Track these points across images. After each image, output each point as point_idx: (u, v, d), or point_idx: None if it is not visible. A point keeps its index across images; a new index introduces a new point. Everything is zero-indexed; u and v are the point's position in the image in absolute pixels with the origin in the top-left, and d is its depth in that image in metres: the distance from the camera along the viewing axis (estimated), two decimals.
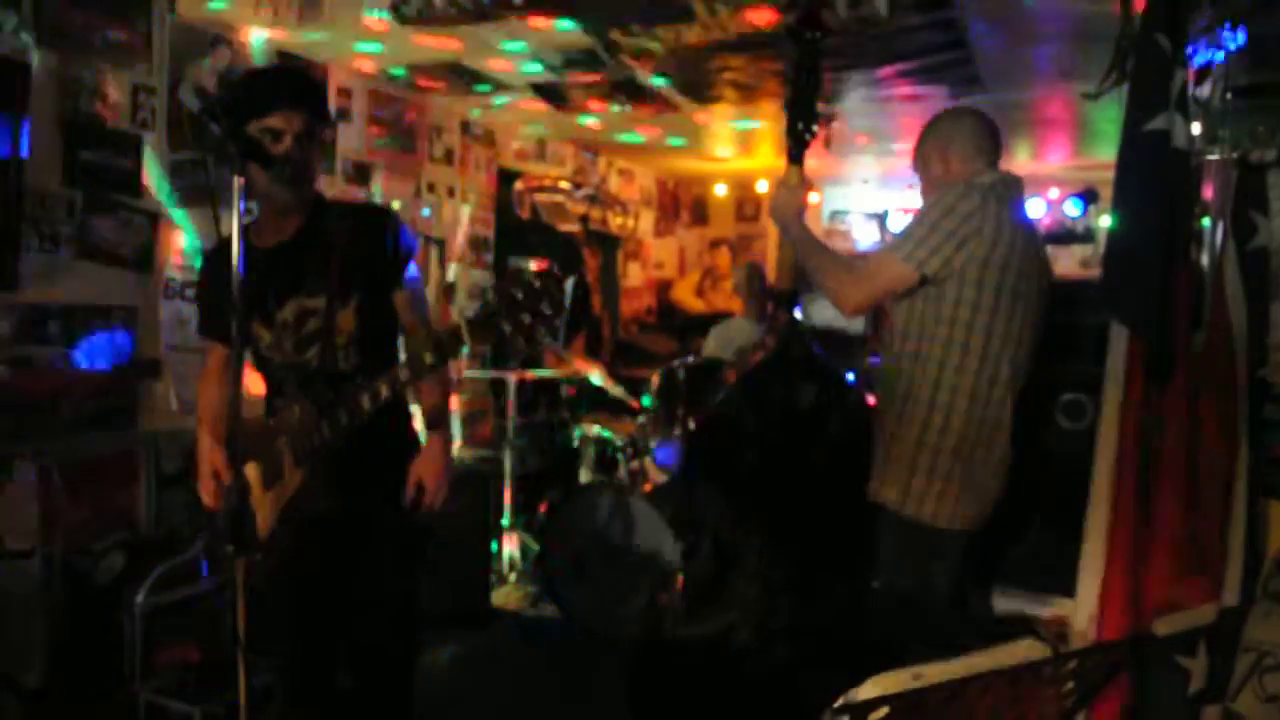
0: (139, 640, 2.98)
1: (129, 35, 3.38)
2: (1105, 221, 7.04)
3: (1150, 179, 1.82)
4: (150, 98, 3.48)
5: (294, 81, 2.20)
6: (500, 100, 5.07)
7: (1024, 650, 1.02)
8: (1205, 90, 1.95)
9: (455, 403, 5.37)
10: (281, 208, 2.12)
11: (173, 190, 3.56)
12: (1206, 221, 2.09)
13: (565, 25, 3.68)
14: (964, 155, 2.35)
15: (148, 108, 3.47)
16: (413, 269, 2.21)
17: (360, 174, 4.64)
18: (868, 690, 0.90)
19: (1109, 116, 5.03)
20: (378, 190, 4.76)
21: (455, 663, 3.59)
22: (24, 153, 3.01)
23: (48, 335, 3.17)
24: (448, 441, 2.21)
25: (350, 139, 4.54)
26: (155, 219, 3.50)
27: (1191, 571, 1.77)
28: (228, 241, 1.81)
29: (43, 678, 3.00)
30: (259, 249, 2.12)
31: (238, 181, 1.78)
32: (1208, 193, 2.08)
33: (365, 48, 4.06)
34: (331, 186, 4.36)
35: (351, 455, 2.07)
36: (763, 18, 3.43)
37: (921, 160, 2.44)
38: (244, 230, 1.80)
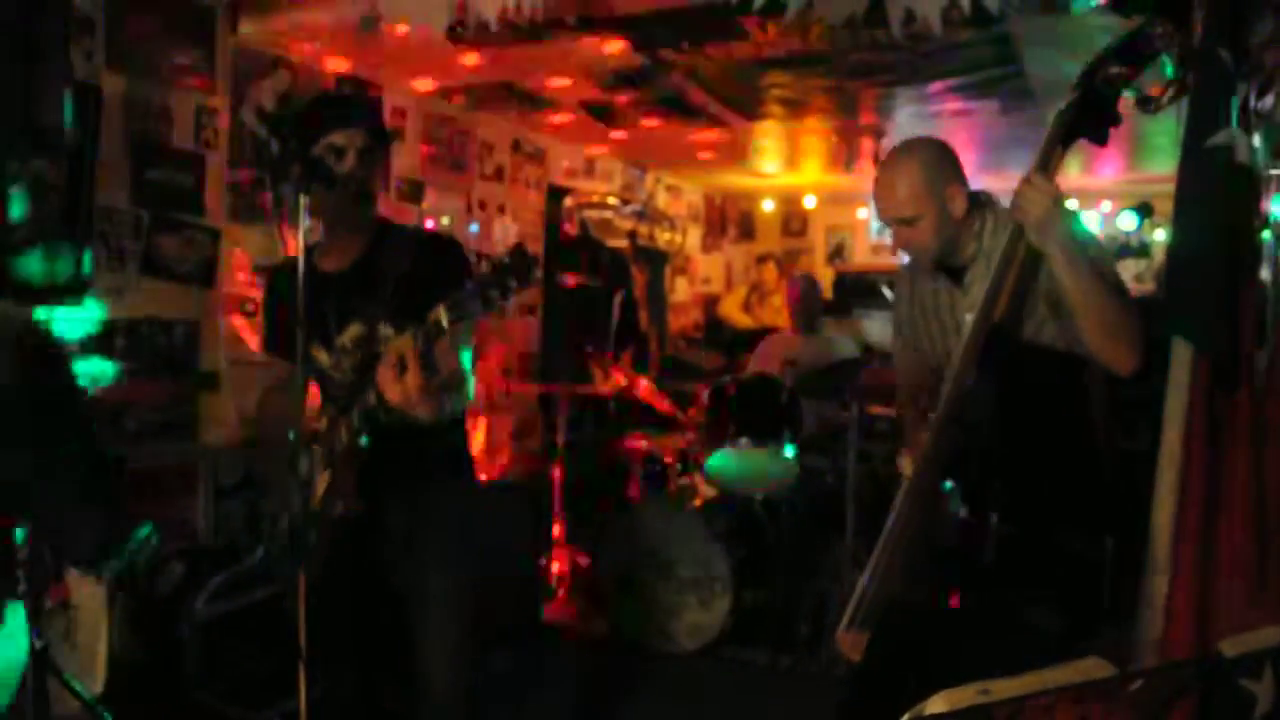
0: (198, 648, 3.04)
1: (193, 59, 3.49)
2: (1160, 236, 6.93)
3: (1212, 195, 1.80)
4: (213, 118, 3.58)
5: (355, 101, 2.26)
6: (551, 119, 5.14)
7: (1089, 668, 1.01)
8: (1268, 103, 1.92)
9: (508, 422, 5.42)
10: (345, 227, 2.16)
11: (233, 208, 3.66)
12: (1268, 236, 2.06)
13: (616, 44, 3.72)
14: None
15: (211, 128, 3.57)
16: None
17: (412, 192, 4.72)
18: (935, 705, 0.90)
19: (1164, 129, 4.95)
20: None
21: (505, 677, 3.62)
22: (94, 172, 3.11)
23: (114, 349, 3.26)
24: (427, 385, 1.91)
25: (402, 157, 4.63)
26: (217, 236, 3.60)
27: (1257, 592, 1.74)
28: (295, 261, 1.85)
29: (106, 683, 3.07)
30: (323, 272, 2.17)
31: (303, 201, 1.83)
32: (1270, 207, 2.05)
33: (419, 68, 4.14)
34: (384, 205, 4.44)
35: (385, 459, 2.08)
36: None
37: (941, 199, 2.05)
38: (308, 253, 1.84)
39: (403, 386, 1.83)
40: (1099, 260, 1.91)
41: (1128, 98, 1.91)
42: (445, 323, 1.75)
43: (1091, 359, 1.92)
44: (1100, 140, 1.86)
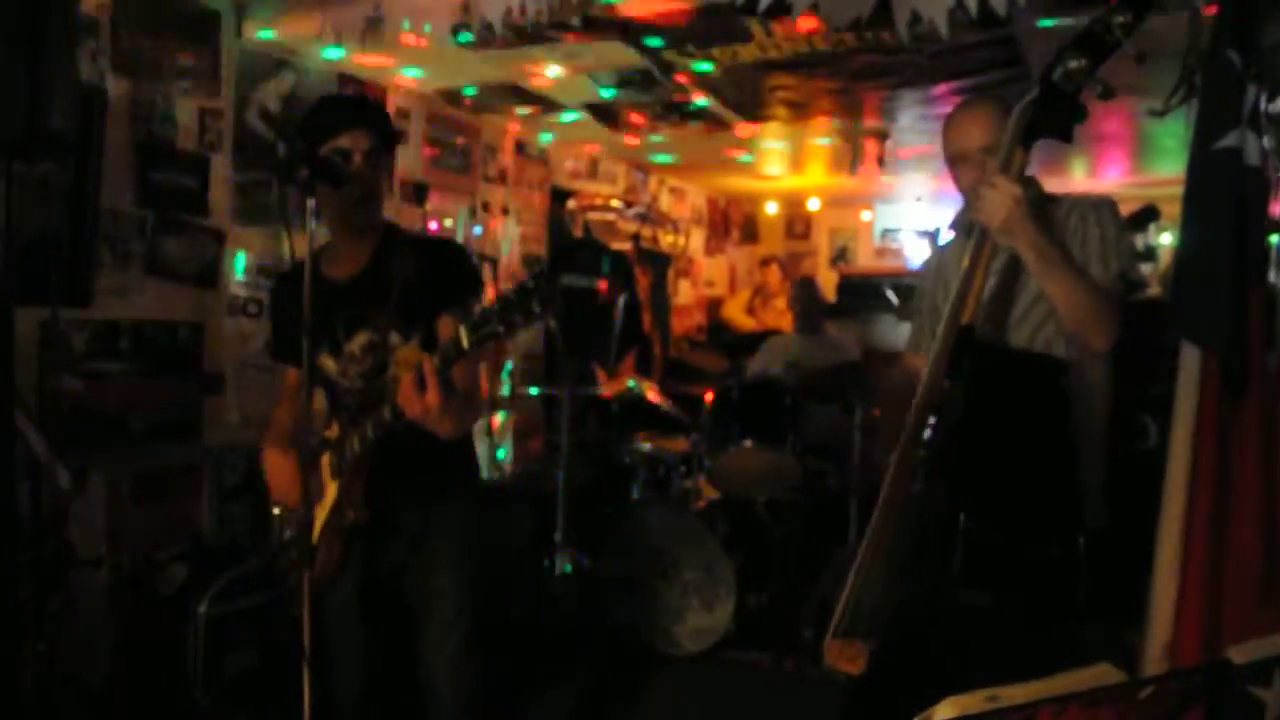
0: (201, 648, 3.04)
1: (198, 61, 3.49)
2: (1166, 239, 6.92)
3: (1222, 197, 1.79)
4: (217, 121, 3.58)
5: (361, 103, 2.25)
6: (554, 121, 5.14)
7: (1099, 674, 1.01)
8: (1279, 106, 1.91)
9: (508, 421, 5.42)
10: (351, 230, 2.16)
11: (238, 210, 3.66)
12: (1277, 239, 2.05)
13: (620, 46, 3.72)
14: None
15: (215, 130, 3.57)
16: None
17: (416, 194, 4.72)
18: (943, 711, 0.89)
19: (1170, 132, 4.95)
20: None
21: (505, 678, 3.61)
22: (100, 174, 3.11)
23: (119, 350, 3.26)
24: (446, 402, 1.87)
25: (406, 159, 4.62)
26: (221, 238, 3.60)
27: (1267, 598, 1.73)
28: (301, 266, 1.84)
29: (109, 682, 3.07)
30: (330, 278, 2.16)
31: (310, 204, 1.82)
32: (1279, 210, 2.04)
33: (424, 71, 4.14)
34: (388, 207, 4.44)
35: (393, 465, 2.08)
36: (818, 33, 3.44)
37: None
38: (314, 258, 1.83)
39: (423, 404, 1.81)
40: (1101, 252, 1.92)
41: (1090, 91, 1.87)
42: (466, 344, 1.74)
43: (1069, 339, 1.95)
44: (1065, 138, 1.81)
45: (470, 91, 4.56)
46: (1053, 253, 1.85)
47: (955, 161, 2.11)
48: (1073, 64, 1.75)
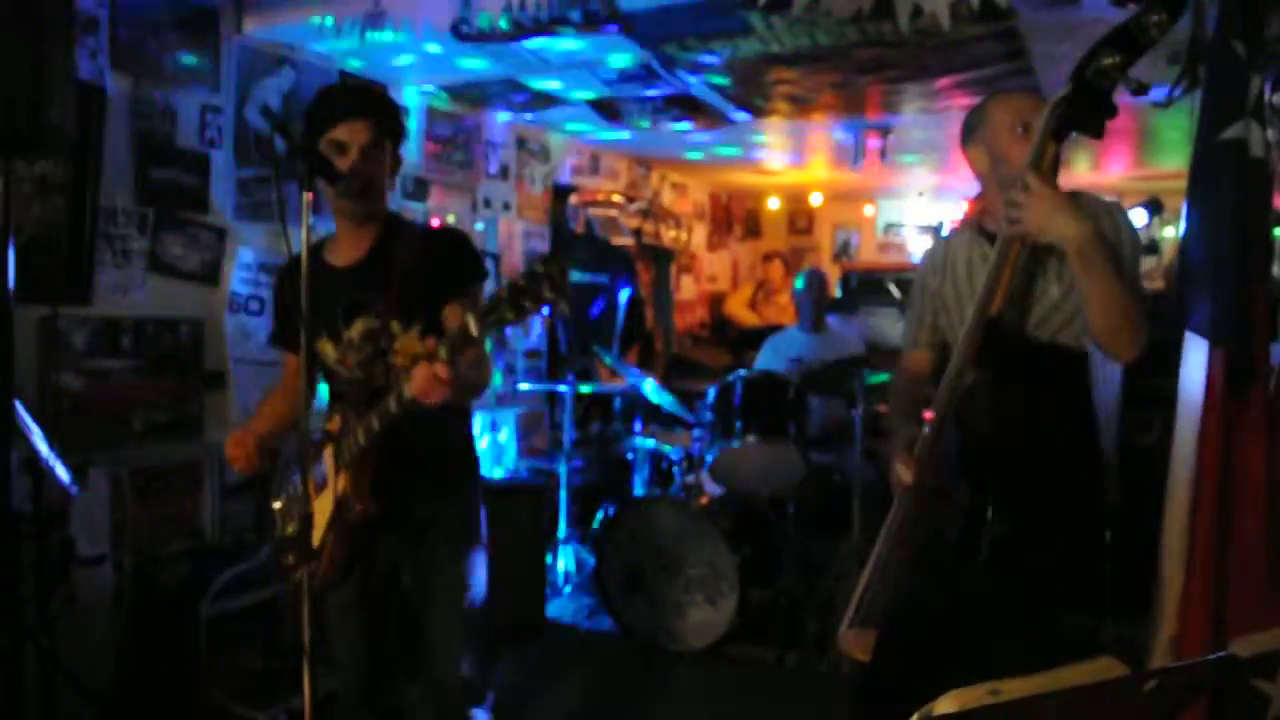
0: (204, 645, 3.04)
1: (198, 58, 3.48)
2: (1169, 233, 6.89)
3: (1226, 189, 1.78)
4: (218, 117, 3.57)
5: (360, 94, 2.23)
6: (556, 116, 5.13)
7: (1102, 668, 1.00)
8: None
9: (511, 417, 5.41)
10: (352, 222, 2.16)
11: (239, 206, 3.65)
12: None
13: (621, 41, 3.71)
14: None
15: (216, 127, 3.56)
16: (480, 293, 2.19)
17: (417, 190, 4.71)
18: (944, 705, 0.89)
19: (1174, 125, 4.92)
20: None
21: (510, 674, 3.61)
22: (100, 172, 3.11)
23: (119, 348, 3.26)
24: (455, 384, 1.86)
25: (407, 155, 4.60)
26: (222, 235, 3.59)
27: (1272, 591, 1.72)
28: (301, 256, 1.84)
29: (112, 680, 3.08)
30: (331, 266, 2.16)
31: (306, 198, 1.81)
32: None
33: (425, 65, 4.13)
34: (390, 202, 4.43)
35: (397, 459, 2.07)
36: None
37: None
38: (317, 247, 1.82)
39: (437, 393, 1.80)
40: (1121, 254, 1.87)
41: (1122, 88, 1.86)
42: (475, 331, 1.73)
43: (1095, 345, 1.90)
44: (1095, 134, 1.80)
45: (471, 87, 4.55)
46: (1097, 247, 1.79)
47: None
48: (1106, 61, 1.74)
